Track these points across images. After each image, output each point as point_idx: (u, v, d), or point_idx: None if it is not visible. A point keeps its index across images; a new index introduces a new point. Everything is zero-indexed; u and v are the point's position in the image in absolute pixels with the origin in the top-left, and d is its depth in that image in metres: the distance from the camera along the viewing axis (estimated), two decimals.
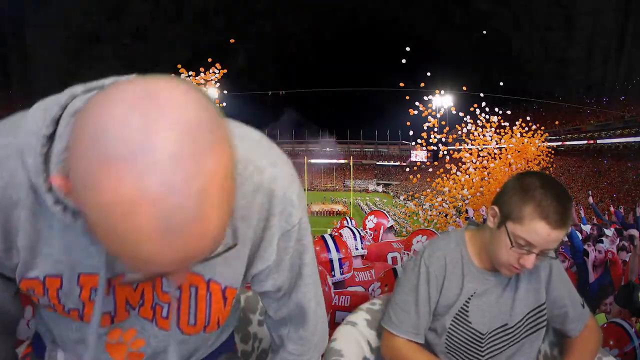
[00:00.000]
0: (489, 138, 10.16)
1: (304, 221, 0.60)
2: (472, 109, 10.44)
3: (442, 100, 16.76)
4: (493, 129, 10.15)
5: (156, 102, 0.33)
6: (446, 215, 10.05)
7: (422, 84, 11.50)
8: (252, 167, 0.54)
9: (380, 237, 2.92)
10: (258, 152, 0.56)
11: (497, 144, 10.12)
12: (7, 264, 0.53)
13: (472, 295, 0.96)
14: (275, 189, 0.55)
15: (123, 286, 0.55)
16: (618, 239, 4.20)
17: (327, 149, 55.69)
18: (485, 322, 0.95)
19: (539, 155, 10.54)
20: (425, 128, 10.47)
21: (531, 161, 10.18)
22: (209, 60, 9.26)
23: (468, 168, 9.87)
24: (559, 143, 33.90)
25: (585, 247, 3.15)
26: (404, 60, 12.45)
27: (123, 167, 0.31)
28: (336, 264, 1.86)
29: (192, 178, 0.32)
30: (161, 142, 0.32)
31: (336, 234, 2.22)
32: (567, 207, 0.82)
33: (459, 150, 10.45)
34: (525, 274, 0.97)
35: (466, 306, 0.96)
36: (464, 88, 12.97)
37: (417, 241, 2.29)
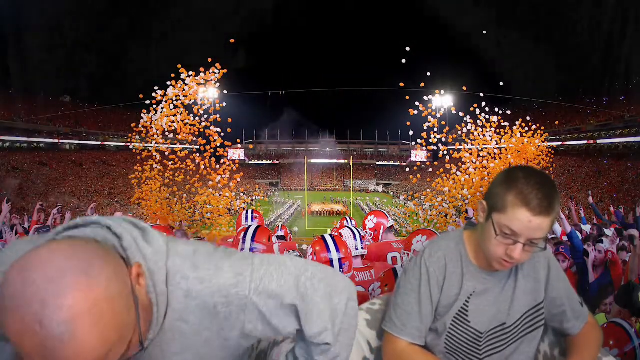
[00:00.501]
0: (489, 138, 10.12)
1: (257, 285, 0.68)
2: (472, 109, 10.40)
3: (442, 100, 16.74)
4: (493, 129, 10.12)
5: (29, 267, 0.50)
6: (446, 215, 10.02)
7: (422, 84, 11.45)
8: (179, 276, 0.66)
9: (380, 237, 2.92)
10: (185, 262, 0.67)
11: (497, 144, 10.08)
12: None
13: (471, 295, 0.96)
14: (204, 291, 0.66)
15: None
16: (618, 239, 4.19)
17: (327, 149, 55.67)
18: (484, 321, 0.95)
19: (539, 155, 10.51)
20: (425, 128, 10.43)
21: (531, 161, 10.15)
22: (209, 60, 9.22)
23: (468, 168, 9.83)
24: (559, 143, 33.89)
25: (585, 247, 3.14)
26: (404, 60, 12.39)
27: (12, 313, 0.48)
28: (336, 264, 1.86)
29: (56, 313, 0.47)
30: (32, 292, 0.48)
31: (336, 234, 2.21)
32: (549, 195, 0.82)
33: (459, 150, 10.42)
34: (524, 272, 0.97)
35: (466, 306, 0.96)
36: (464, 88, 12.92)
37: (417, 241, 2.29)
